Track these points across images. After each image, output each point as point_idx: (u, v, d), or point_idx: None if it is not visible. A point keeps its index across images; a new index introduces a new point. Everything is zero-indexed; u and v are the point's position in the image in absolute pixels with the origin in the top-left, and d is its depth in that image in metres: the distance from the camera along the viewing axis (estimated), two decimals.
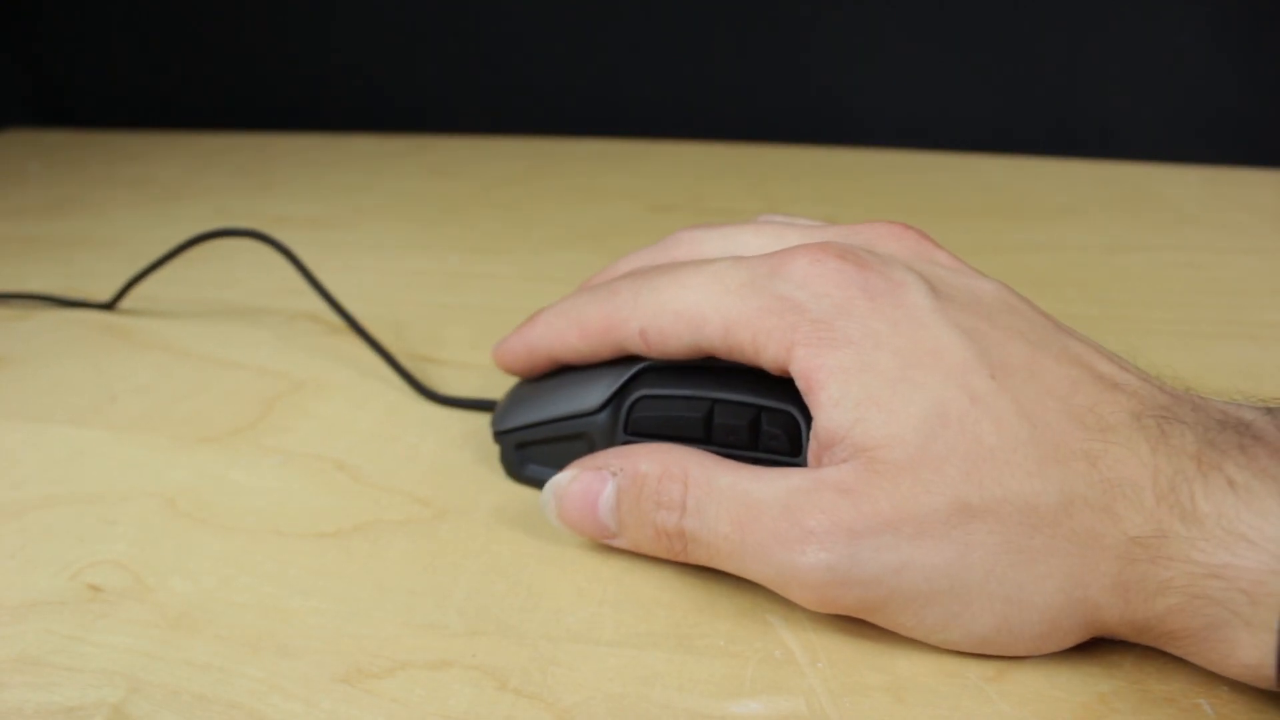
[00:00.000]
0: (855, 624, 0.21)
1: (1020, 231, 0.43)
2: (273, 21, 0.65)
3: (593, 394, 0.24)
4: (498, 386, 0.31)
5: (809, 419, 0.22)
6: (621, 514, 0.22)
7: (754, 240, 0.25)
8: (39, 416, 0.30)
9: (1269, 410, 0.19)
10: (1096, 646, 0.20)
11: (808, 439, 0.22)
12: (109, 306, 0.37)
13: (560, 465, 0.24)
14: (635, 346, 0.23)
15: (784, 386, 0.22)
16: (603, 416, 0.24)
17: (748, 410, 0.22)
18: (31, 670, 0.20)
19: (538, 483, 0.25)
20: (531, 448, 0.26)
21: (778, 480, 0.20)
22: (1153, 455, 0.18)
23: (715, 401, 0.23)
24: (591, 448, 0.24)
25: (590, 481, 0.22)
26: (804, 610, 0.21)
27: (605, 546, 0.24)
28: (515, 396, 0.27)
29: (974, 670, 0.20)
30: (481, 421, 0.29)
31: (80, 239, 0.46)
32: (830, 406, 0.19)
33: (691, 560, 0.21)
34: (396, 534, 0.24)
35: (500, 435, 0.26)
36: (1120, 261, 0.39)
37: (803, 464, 0.22)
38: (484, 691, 0.20)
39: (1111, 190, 0.47)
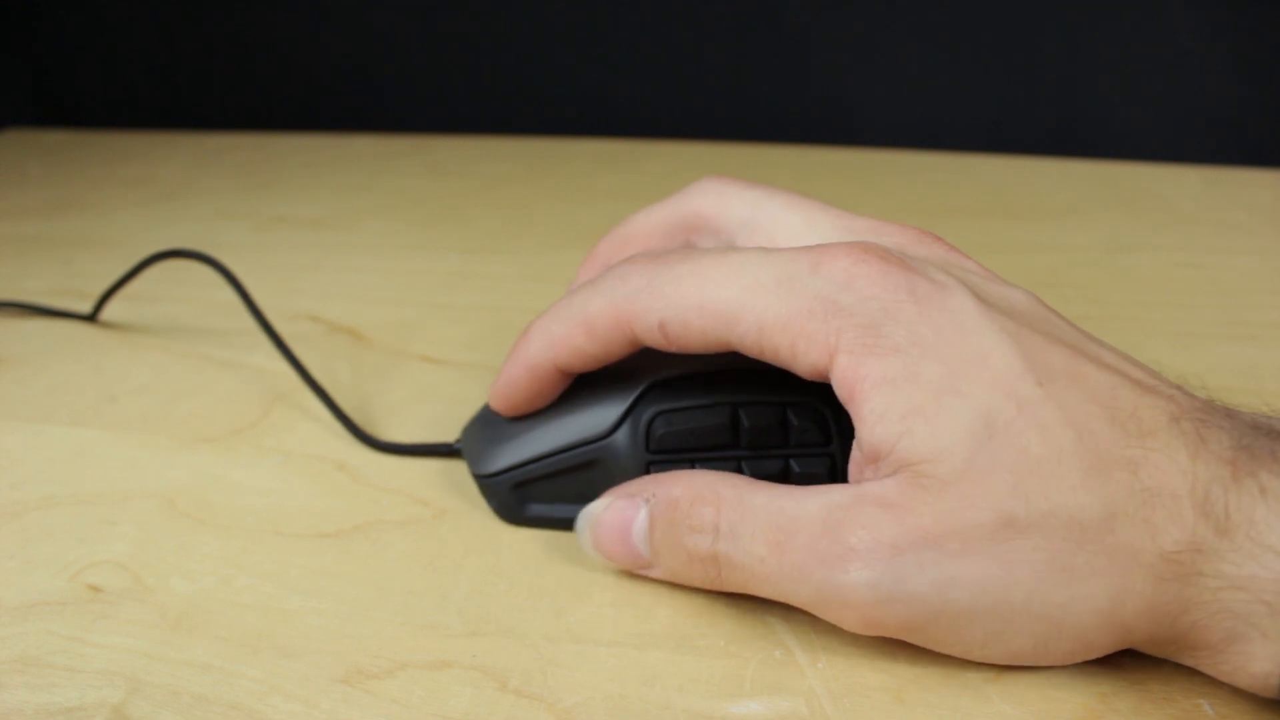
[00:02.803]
0: None
1: (1020, 231, 0.43)
2: (273, 22, 0.65)
3: (601, 417, 0.23)
4: None
5: (834, 408, 0.22)
6: (655, 541, 0.21)
7: (784, 215, 0.23)
8: (39, 416, 0.30)
9: None
10: None
11: (835, 427, 0.22)
12: (92, 318, 0.37)
13: (570, 500, 0.23)
14: (652, 340, 0.22)
15: (801, 379, 0.21)
16: (619, 439, 0.23)
17: (773, 409, 0.22)
18: (31, 670, 0.20)
19: (545, 523, 0.24)
20: (533, 485, 0.24)
21: (816, 497, 0.19)
22: (1191, 462, 0.17)
23: (738, 405, 0.22)
24: (608, 474, 0.23)
25: (623, 509, 0.21)
26: (804, 610, 0.21)
27: None
28: (492, 433, 0.25)
29: (974, 670, 0.20)
30: None
31: (80, 239, 0.46)
32: (875, 420, 0.19)
33: (728, 587, 0.20)
34: (396, 534, 0.24)
35: (489, 478, 0.24)
36: (1120, 261, 0.39)
37: (836, 453, 0.22)
38: (484, 691, 0.20)
39: (1111, 190, 0.47)
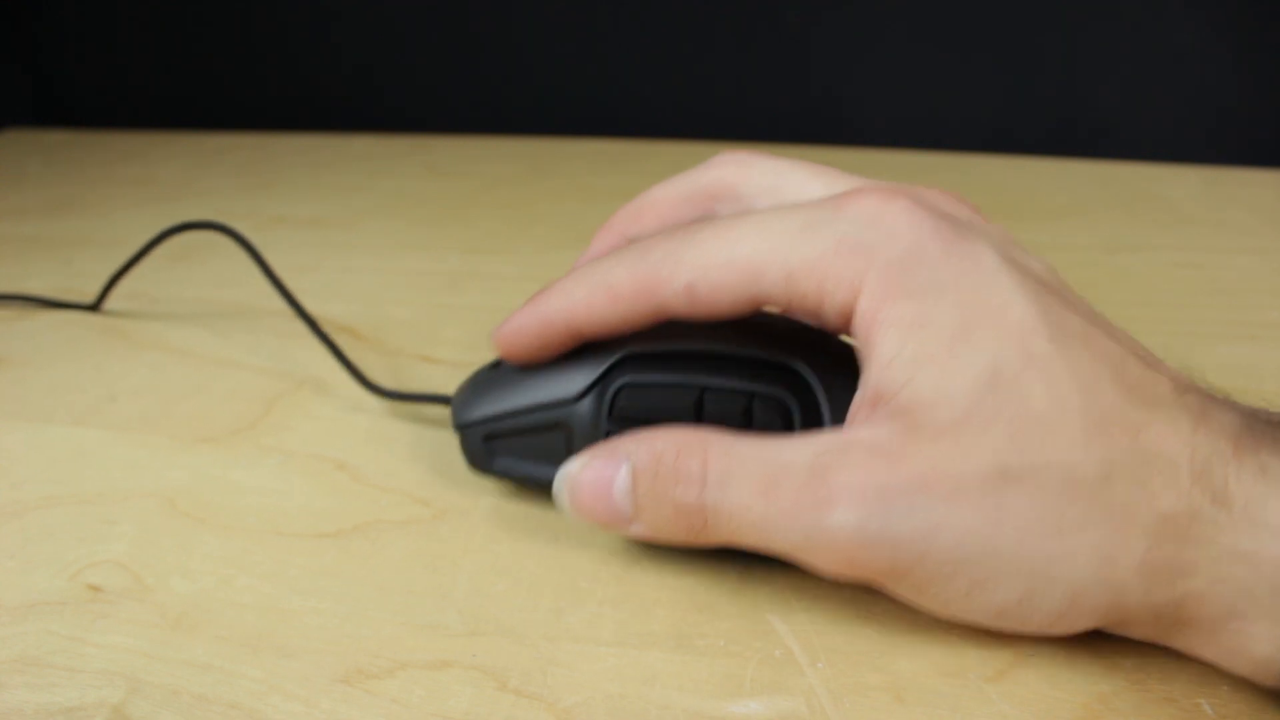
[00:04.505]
0: (855, 623, 0.21)
1: (1020, 231, 0.42)
2: (273, 21, 0.65)
3: (571, 382, 0.23)
4: None
5: (801, 404, 0.22)
6: (638, 496, 0.20)
7: (808, 181, 0.23)
8: (39, 416, 0.30)
9: None
10: (1097, 646, 0.20)
11: (800, 422, 0.22)
12: (95, 307, 0.37)
13: (534, 458, 0.24)
14: (678, 306, 0.21)
15: (775, 371, 0.22)
16: (584, 405, 0.23)
17: (740, 398, 0.22)
18: (31, 670, 0.20)
19: (509, 476, 0.25)
20: (501, 440, 0.25)
21: (806, 443, 0.19)
22: (1193, 433, 0.17)
23: (705, 389, 0.22)
24: (569, 439, 0.23)
25: (603, 467, 0.21)
26: (804, 610, 0.21)
27: (605, 546, 0.24)
28: (477, 386, 0.25)
29: (974, 670, 0.20)
30: None
31: (80, 239, 0.46)
32: (885, 364, 0.19)
33: (712, 539, 0.20)
34: (396, 534, 0.24)
35: (465, 427, 0.25)
36: (1120, 261, 0.39)
37: None
38: (484, 691, 0.20)
39: (1111, 190, 0.47)
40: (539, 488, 0.24)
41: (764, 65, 0.60)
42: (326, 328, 0.36)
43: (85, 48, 0.69)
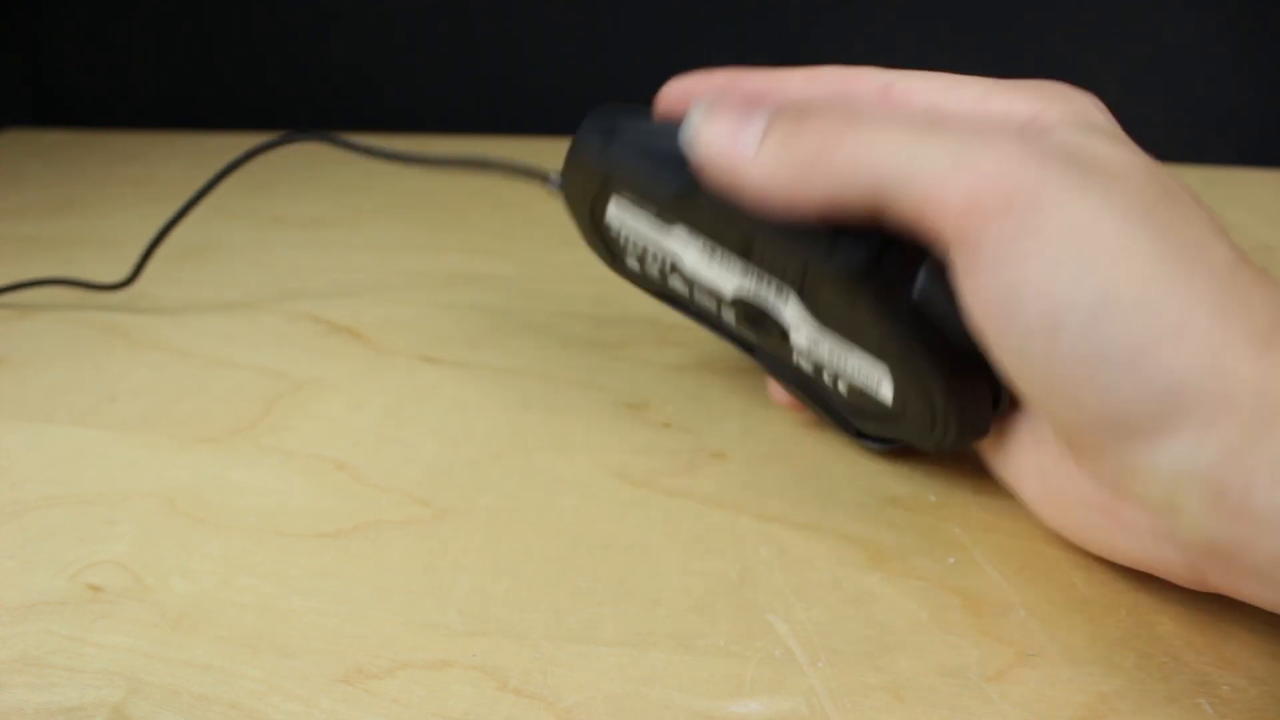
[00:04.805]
0: (855, 623, 0.21)
1: None
2: (273, 22, 0.65)
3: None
4: (499, 385, 0.31)
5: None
6: (773, 132, 0.20)
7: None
8: (39, 416, 0.30)
9: None
10: (1097, 646, 0.20)
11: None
12: (128, 283, 0.37)
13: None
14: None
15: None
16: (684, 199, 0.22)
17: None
18: (31, 670, 0.20)
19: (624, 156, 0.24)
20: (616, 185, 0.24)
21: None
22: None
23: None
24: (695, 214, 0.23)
25: (744, 108, 0.21)
26: (804, 610, 0.21)
27: (605, 546, 0.24)
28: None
29: (974, 670, 0.20)
30: (484, 412, 0.29)
31: (80, 239, 0.46)
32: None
33: (842, 165, 0.19)
34: (396, 534, 0.24)
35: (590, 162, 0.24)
36: None
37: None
38: (484, 691, 0.20)
39: None
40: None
41: (764, 65, 0.60)
42: (327, 327, 0.36)
43: (85, 48, 0.69)
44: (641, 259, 0.26)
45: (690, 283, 0.25)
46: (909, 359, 0.21)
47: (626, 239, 0.26)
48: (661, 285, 0.27)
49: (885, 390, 0.23)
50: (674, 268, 0.25)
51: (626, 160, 0.23)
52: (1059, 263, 0.17)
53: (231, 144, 0.61)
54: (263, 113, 0.67)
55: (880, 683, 0.20)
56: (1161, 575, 0.20)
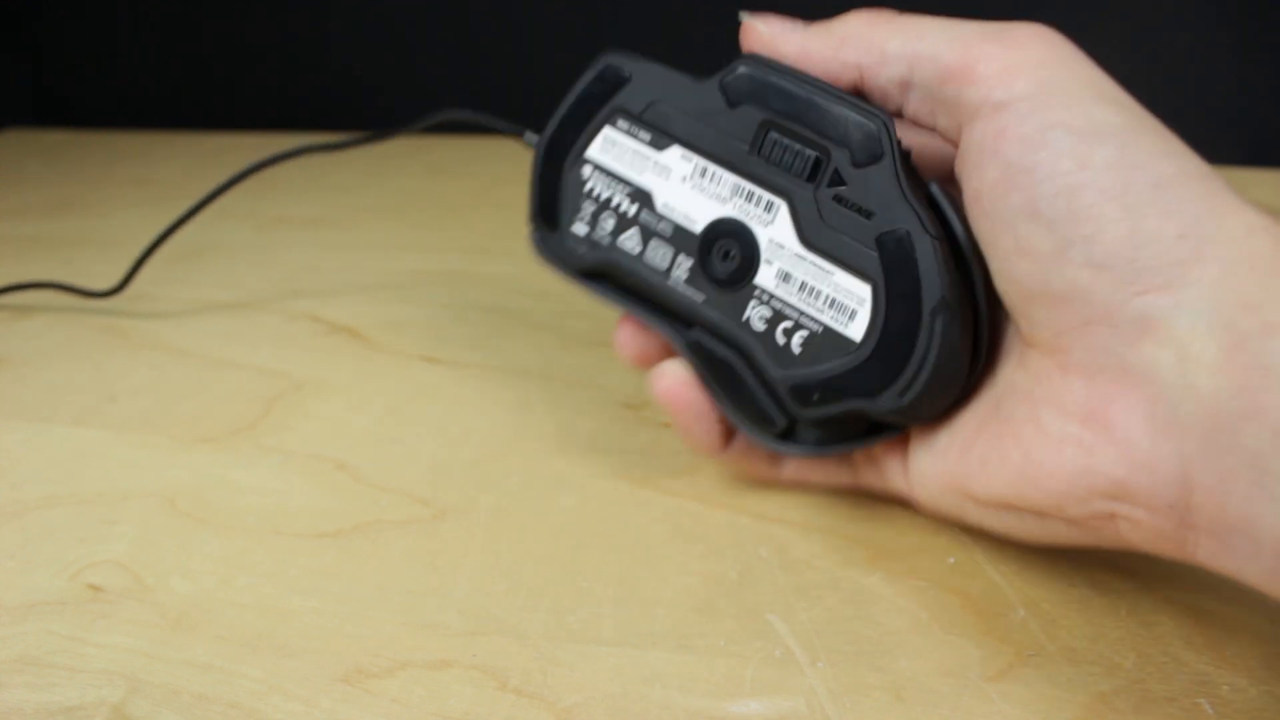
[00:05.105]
0: (855, 623, 0.21)
1: None
2: (273, 22, 0.65)
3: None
4: (499, 385, 0.31)
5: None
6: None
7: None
8: (39, 416, 0.30)
9: None
10: (1097, 646, 0.20)
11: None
12: (117, 291, 0.36)
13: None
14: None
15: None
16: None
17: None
18: (31, 670, 0.20)
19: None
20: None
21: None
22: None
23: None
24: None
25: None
26: (804, 610, 0.21)
27: (605, 546, 0.24)
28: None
29: (974, 670, 0.20)
30: (484, 411, 0.29)
31: (80, 239, 0.46)
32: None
33: (879, 31, 0.21)
34: (396, 534, 0.24)
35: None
36: None
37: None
38: (484, 691, 0.20)
39: None
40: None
41: None
42: (327, 327, 0.36)
43: (85, 48, 0.69)
44: (595, 217, 0.25)
45: (649, 232, 0.24)
46: (908, 262, 0.21)
47: (589, 190, 0.25)
48: (605, 250, 0.25)
49: (858, 323, 0.22)
50: (641, 209, 0.24)
51: (653, 70, 0.25)
52: (1090, 103, 0.19)
53: (231, 144, 0.61)
54: (263, 113, 0.67)
55: (880, 683, 0.20)
56: (1107, 545, 0.19)
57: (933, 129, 0.22)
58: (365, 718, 0.19)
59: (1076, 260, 0.18)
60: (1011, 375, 0.21)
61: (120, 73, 0.69)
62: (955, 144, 0.21)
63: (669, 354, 0.25)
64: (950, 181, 0.21)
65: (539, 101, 0.66)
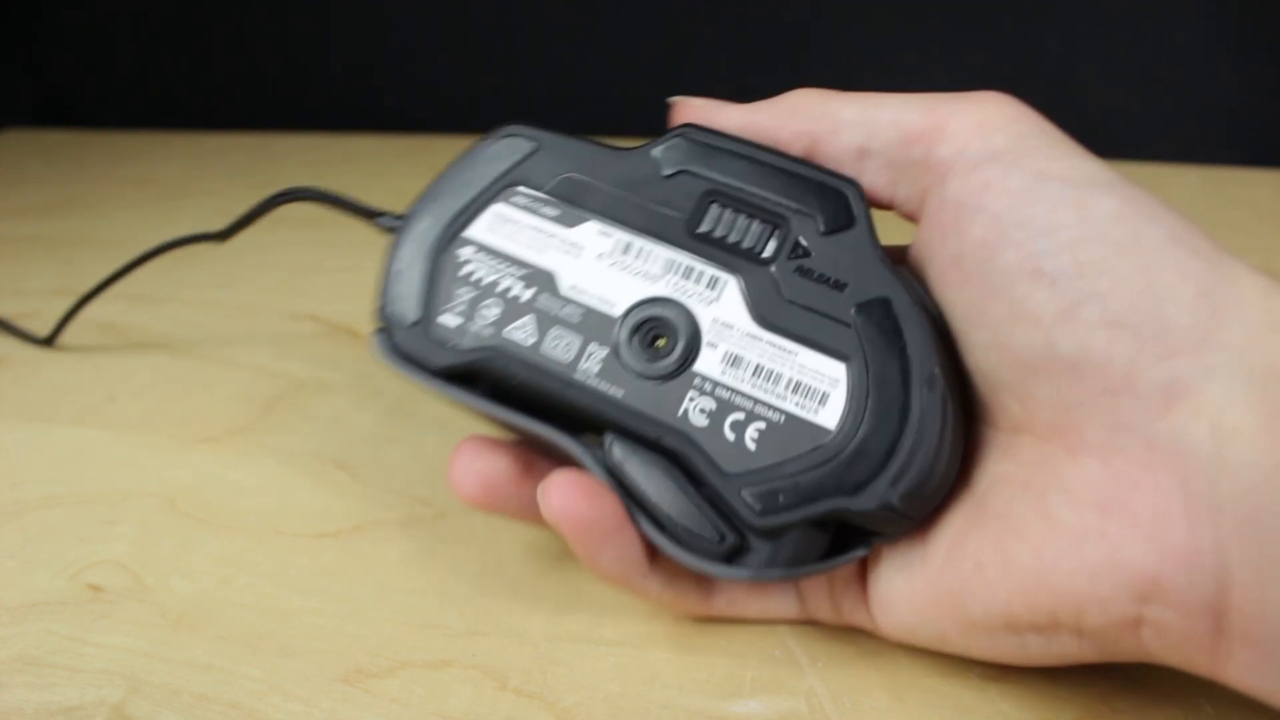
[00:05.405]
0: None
1: None
2: (273, 21, 0.65)
3: None
4: None
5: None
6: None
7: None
8: (39, 416, 0.30)
9: None
10: None
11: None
12: (49, 341, 0.36)
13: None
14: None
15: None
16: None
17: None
18: (31, 670, 0.20)
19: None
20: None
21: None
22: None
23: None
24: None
25: None
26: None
27: None
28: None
29: (975, 670, 0.20)
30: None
31: (80, 239, 0.46)
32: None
33: (830, 103, 0.21)
34: (396, 534, 0.24)
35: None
36: None
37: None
38: (484, 691, 0.20)
39: None
40: None
41: (764, 65, 0.60)
42: (327, 327, 0.36)
43: (85, 48, 0.69)
44: (474, 305, 0.21)
45: (549, 319, 0.20)
46: (894, 332, 0.19)
47: (468, 274, 0.21)
48: (485, 343, 0.21)
49: (830, 407, 0.19)
50: (539, 294, 0.21)
51: (567, 143, 0.22)
52: (1076, 156, 0.18)
53: (231, 144, 0.61)
54: (263, 113, 0.67)
55: (880, 683, 0.20)
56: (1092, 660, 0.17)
57: (889, 202, 0.20)
58: (365, 718, 0.19)
59: (1089, 320, 0.16)
60: (995, 468, 0.18)
61: (120, 73, 0.69)
62: (915, 217, 0.19)
63: (523, 484, 0.21)
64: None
65: (539, 101, 0.66)
